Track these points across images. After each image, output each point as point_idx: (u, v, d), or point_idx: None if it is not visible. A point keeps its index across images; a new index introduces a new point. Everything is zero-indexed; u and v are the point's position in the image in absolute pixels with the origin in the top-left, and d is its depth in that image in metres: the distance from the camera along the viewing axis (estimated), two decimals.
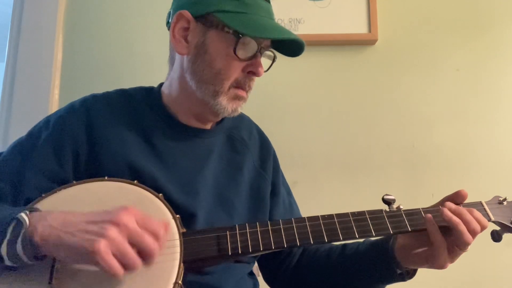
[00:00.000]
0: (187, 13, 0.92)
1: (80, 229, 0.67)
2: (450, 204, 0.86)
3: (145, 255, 0.69)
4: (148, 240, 0.69)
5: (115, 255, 0.65)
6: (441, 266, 0.84)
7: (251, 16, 0.90)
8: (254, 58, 0.92)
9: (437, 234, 0.84)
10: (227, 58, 0.90)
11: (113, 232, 0.66)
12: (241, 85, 0.94)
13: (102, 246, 0.64)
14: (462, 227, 0.82)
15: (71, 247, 0.66)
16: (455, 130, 1.60)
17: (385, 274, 0.93)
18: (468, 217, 0.84)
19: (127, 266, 0.66)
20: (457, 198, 0.90)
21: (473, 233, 0.83)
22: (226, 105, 0.93)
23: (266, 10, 0.94)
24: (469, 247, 0.84)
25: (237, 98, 0.94)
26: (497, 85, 1.63)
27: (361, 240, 0.98)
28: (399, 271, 0.92)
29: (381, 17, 1.65)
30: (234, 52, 0.89)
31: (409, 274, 0.93)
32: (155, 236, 0.70)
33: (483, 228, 0.84)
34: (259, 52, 0.93)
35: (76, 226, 0.68)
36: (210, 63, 0.91)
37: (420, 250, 0.87)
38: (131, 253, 0.67)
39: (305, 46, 0.94)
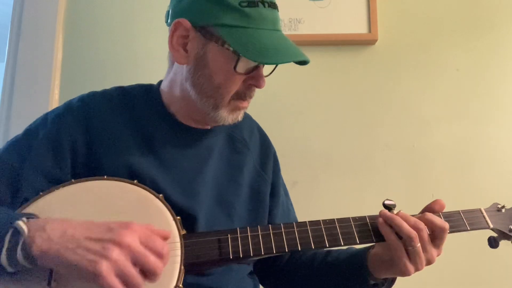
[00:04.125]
0: (185, 22, 0.88)
1: (82, 246, 0.66)
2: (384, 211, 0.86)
3: (148, 274, 0.68)
4: (152, 261, 0.68)
5: (117, 276, 0.65)
6: (404, 272, 0.83)
7: (252, 32, 0.85)
8: (255, 70, 0.90)
9: (391, 235, 0.83)
10: (227, 74, 0.88)
11: (116, 253, 0.65)
12: (242, 96, 0.92)
13: (105, 268, 0.64)
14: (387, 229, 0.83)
15: (72, 265, 0.65)
16: (455, 130, 1.60)
17: (358, 284, 0.93)
18: (398, 220, 0.83)
19: (129, 286, 0.66)
20: (435, 206, 0.89)
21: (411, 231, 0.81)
22: (227, 117, 0.92)
23: (271, 20, 0.88)
24: (435, 252, 0.84)
25: (238, 109, 0.93)
26: (497, 85, 1.62)
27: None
28: (372, 282, 0.91)
29: (381, 17, 1.65)
30: (234, 69, 0.87)
31: (383, 286, 0.92)
32: (159, 255, 0.69)
33: (414, 227, 0.82)
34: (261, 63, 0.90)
35: (77, 242, 0.66)
36: (210, 77, 0.89)
37: (387, 258, 0.86)
38: (134, 275, 0.66)
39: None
